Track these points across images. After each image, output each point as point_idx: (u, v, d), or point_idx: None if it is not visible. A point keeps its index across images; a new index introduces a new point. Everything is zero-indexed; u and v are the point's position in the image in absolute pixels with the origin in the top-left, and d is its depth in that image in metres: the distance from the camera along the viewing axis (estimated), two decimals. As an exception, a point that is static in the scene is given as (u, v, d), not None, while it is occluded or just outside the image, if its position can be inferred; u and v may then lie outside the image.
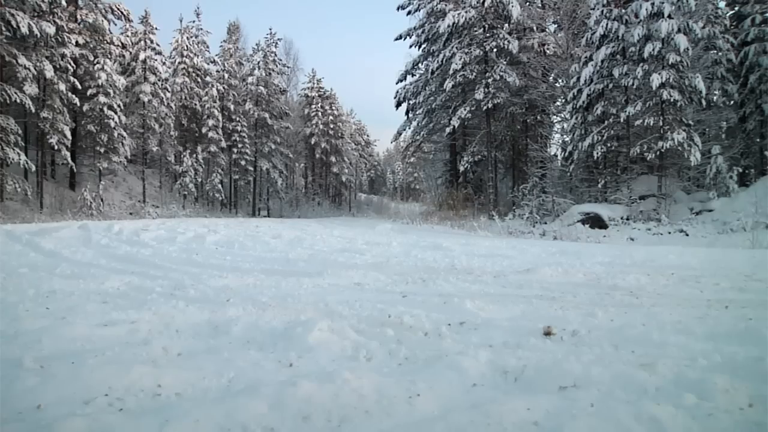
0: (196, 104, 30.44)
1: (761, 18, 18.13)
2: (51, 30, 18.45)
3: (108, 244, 9.24)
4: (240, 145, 32.01)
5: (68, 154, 20.44)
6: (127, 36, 26.87)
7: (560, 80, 23.24)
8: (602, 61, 17.08)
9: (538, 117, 24.15)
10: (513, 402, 2.14)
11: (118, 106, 22.60)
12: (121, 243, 9.42)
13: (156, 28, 27.21)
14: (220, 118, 30.30)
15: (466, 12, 22.43)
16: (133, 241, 9.83)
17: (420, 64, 28.34)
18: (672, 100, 15.16)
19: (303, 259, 7.50)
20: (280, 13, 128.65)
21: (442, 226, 20.32)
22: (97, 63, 21.85)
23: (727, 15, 20.25)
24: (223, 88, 31.93)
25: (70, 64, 20.29)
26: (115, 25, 26.07)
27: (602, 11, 17.13)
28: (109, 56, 22.91)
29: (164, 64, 28.81)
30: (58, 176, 23.59)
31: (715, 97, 18.94)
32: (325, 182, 44.96)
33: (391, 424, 2.05)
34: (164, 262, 6.93)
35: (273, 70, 34.84)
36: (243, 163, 32.26)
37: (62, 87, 19.39)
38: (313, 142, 39.90)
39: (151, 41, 26.75)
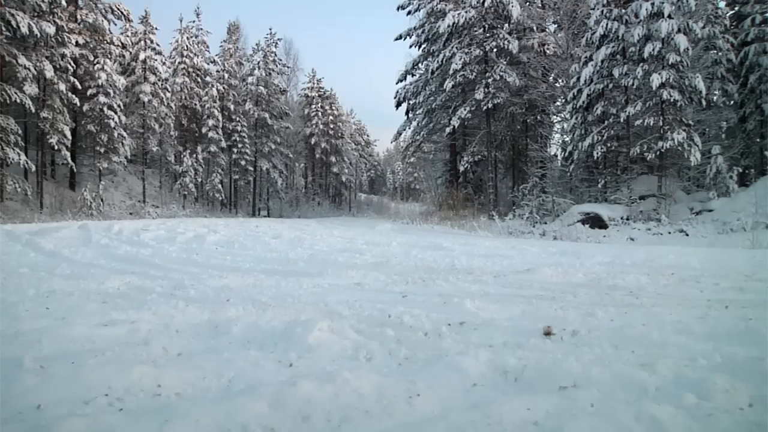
0: (196, 104, 30.45)
1: (761, 18, 18.11)
2: (51, 30, 18.47)
3: (108, 244, 9.25)
4: (240, 145, 32.01)
5: (68, 154, 20.46)
6: (127, 36, 26.87)
7: (560, 80, 23.22)
8: (602, 61, 17.07)
9: (538, 117, 24.12)
10: (513, 402, 2.14)
11: (118, 106, 22.62)
12: (121, 243, 9.43)
13: (156, 28, 27.26)
14: (220, 118, 30.30)
15: (466, 12, 22.42)
16: (133, 241, 9.83)
17: (420, 64, 28.32)
18: (672, 100, 15.15)
19: (303, 259, 7.50)
20: (280, 13, 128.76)
21: (442, 226, 20.31)
22: (97, 63, 21.88)
23: (727, 15, 20.23)
24: (223, 88, 31.94)
25: (70, 64, 20.30)
26: (115, 25, 26.15)
27: (602, 11, 17.12)
28: (109, 56, 22.92)
29: (164, 64, 28.81)
30: (58, 176, 23.59)
31: (715, 97, 18.92)
32: (325, 182, 44.94)
33: (391, 424, 2.05)
34: (164, 262, 6.93)
35: (273, 70, 34.84)
36: (243, 163, 32.26)
37: (62, 87, 19.40)
38: (313, 142, 39.90)
39: (151, 41, 26.77)
